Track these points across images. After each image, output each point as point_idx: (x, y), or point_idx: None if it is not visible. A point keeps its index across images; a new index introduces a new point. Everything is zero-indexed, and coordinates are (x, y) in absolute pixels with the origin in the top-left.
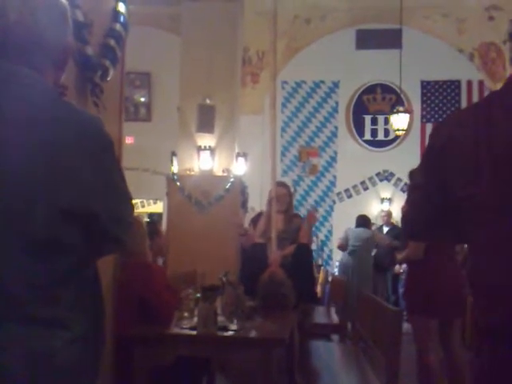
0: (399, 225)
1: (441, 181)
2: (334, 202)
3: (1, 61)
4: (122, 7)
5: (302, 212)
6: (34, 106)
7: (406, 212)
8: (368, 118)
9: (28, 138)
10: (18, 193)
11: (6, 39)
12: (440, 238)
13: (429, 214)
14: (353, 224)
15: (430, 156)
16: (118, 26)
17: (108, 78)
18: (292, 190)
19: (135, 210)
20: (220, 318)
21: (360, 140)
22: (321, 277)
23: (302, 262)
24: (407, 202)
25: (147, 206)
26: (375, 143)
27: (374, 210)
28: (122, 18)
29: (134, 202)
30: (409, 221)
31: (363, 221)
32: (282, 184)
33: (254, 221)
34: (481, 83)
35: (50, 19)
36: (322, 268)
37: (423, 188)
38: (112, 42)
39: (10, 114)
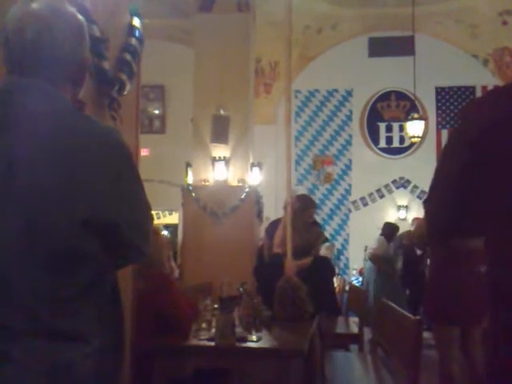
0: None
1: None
2: (350, 210)
3: (19, 76)
4: (136, 22)
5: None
6: (52, 120)
7: (434, 209)
8: (383, 126)
9: (48, 151)
10: (38, 206)
11: (23, 56)
12: (473, 233)
13: (460, 209)
14: (368, 232)
15: (462, 149)
16: (133, 41)
17: (125, 92)
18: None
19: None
20: (238, 329)
21: (375, 147)
22: (338, 286)
23: (320, 274)
24: (434, 198)
25: (163, 217)
26: (390, 150)
27: (391, 217)
28: (137, 33)
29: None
30: (440, 219)
31: (386, 231)
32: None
33: (268, 231)
34: None
35: (67, 36)
36: (339, 277)
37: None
38: (128, 57)
39: (29, 128)
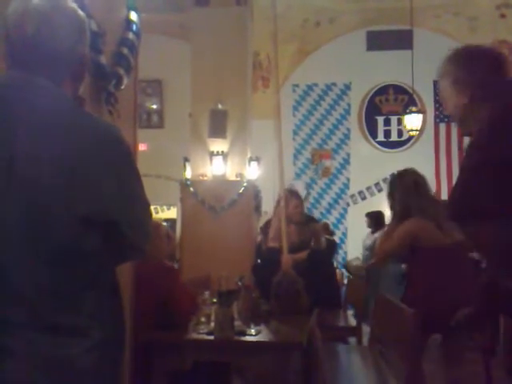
0: None
1: None
2: (348, 204)
3: (18, 71)
4: (134, 16)
5: (315, 214)
6: (52, 115)
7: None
8: (381, 119)
9: (47, 147)
10: (38, 202)
11: (24, 51)
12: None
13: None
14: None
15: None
16: (130, 35)
17: (122, 87)
18: (305, 193)
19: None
20: (236, 323)
21: (373, 141)
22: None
23: (317, 267)
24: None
25: (161, 212)
26: (388, 144)
27: (388, 211)
28: (134, 27)
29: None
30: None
31: (372, 219)
32: (294, 194)
33: (263, 230)
34: None
35: (68, 32)
36: (338, 270)
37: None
38: (125, 51)
39: (28, 124)
